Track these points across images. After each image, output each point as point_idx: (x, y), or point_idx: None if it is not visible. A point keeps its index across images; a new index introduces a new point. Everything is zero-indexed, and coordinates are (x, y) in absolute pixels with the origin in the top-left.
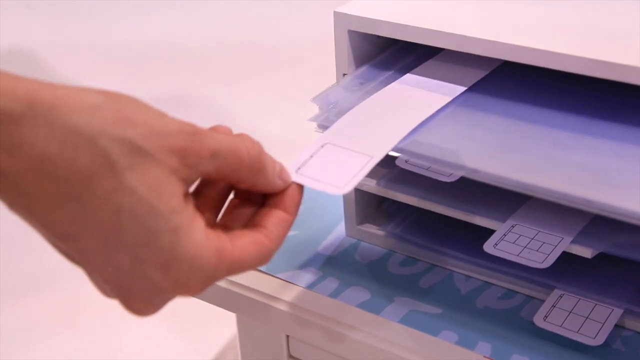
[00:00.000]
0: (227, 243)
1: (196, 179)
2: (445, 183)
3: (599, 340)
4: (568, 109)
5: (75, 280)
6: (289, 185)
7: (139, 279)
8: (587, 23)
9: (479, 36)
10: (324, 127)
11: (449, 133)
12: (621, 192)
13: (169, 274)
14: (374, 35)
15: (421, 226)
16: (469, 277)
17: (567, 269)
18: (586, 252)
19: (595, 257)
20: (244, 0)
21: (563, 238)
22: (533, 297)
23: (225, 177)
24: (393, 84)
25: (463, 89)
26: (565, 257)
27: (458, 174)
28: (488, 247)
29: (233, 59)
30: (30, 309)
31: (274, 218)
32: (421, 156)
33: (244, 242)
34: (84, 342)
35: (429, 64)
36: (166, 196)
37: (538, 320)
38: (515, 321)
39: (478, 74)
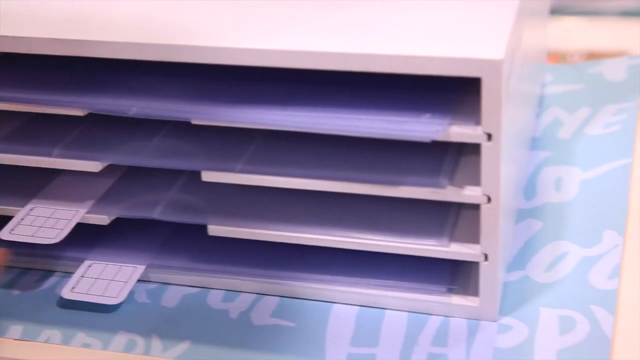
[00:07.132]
0: None
1: None
2: None
3: (120, 299)
4: None
5: None
6: None
7: None
8: None
9: None
10: None
11: None
12: None
13: None
14: None
15: None
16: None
17: (97, 240)
18: (103, 219)
19: (121, 224)
20: None
21: (78, 211)
22: (70, 273)
23: None
24: None
25: None
26: (93, 229)
27: None
28: (4, 234)
29: None
30: None
31: None
32: None
33: None
34: None
35: None
36: None
37: (65, 292)
38: (51, 300)
39: None
